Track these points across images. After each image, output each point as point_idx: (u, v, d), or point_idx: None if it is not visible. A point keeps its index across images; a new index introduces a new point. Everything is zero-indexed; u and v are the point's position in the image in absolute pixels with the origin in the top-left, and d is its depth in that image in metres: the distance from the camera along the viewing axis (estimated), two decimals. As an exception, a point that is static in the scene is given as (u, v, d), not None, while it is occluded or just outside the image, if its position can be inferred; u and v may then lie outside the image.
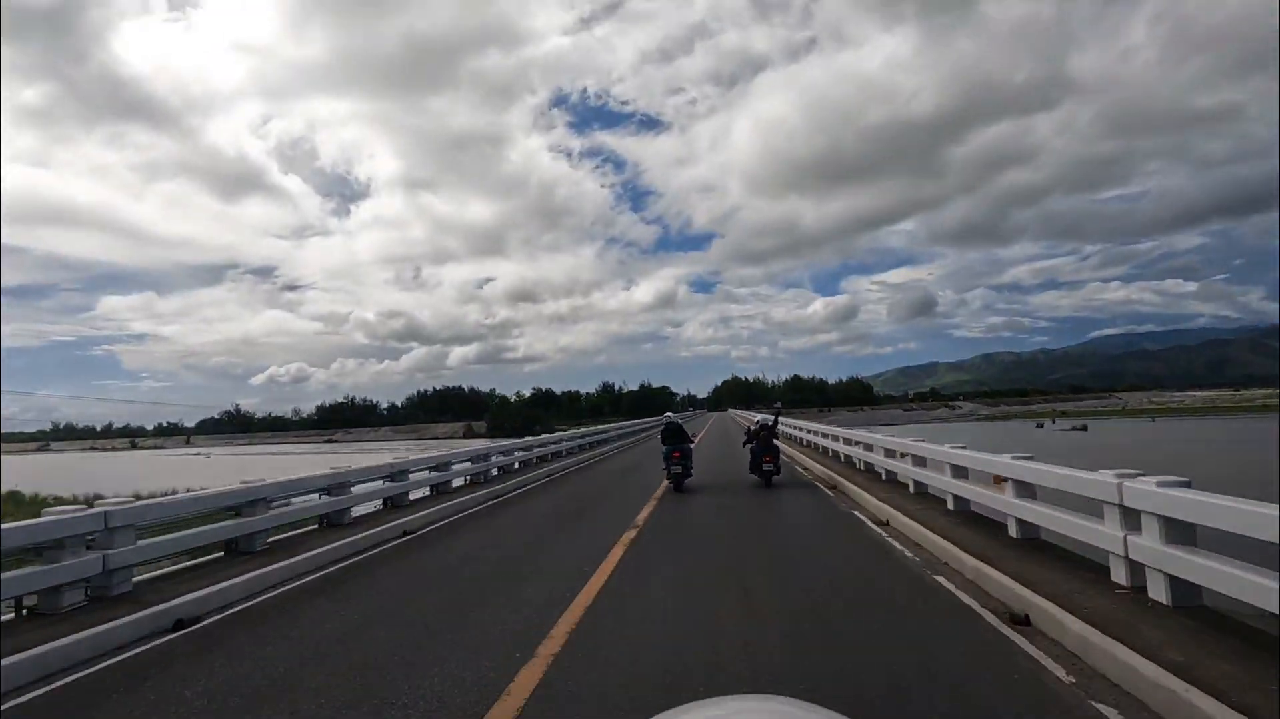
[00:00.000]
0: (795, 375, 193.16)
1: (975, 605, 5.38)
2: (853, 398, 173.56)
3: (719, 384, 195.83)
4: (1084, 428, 60.31)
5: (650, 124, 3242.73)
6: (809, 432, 22.89)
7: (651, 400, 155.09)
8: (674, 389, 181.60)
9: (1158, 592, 4.81)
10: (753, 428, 13.77)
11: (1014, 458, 6.80)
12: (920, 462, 10.31)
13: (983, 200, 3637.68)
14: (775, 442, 13.68)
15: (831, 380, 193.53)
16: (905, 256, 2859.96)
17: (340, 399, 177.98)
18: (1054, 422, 74.75)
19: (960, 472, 8.50)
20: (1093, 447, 38.89)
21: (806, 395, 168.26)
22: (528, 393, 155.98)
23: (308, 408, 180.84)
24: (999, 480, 7.17)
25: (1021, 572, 5.71)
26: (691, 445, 13.37)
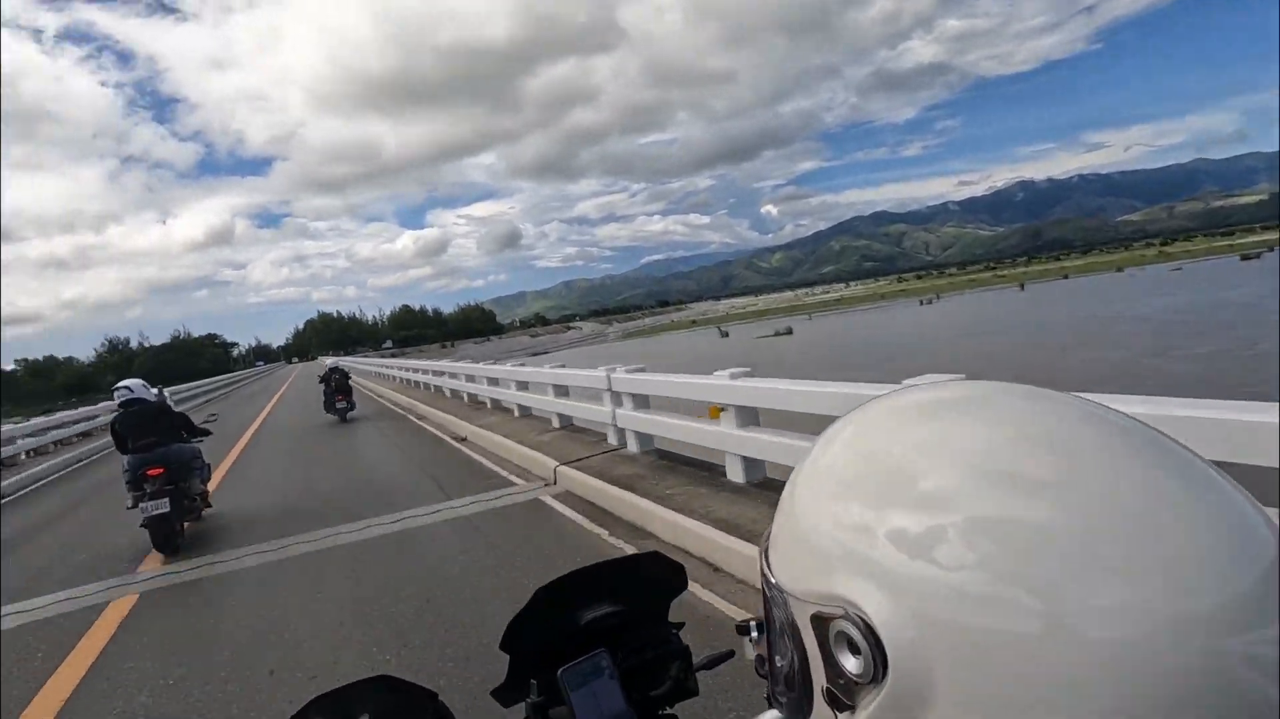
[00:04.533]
0: (404, 307, 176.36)
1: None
2: (475, 329, 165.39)
3: (300, 328, 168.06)
4: (789, 331, 62.15)
5: (163, 9, 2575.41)
6: (417, 371, 19.70)
7: (188, 361, 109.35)
8: (230, 338, 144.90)
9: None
10: (325, 373, 15.29)
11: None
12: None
13: (555, 136, 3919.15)
14: (350, 381, 15.27)
15: (448, 310, 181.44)
16: (488, 190, 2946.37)
17: None
18: (723, 331, 77.94)
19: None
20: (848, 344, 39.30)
21: (421, 331, 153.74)
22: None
23: None
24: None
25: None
26: (196, 443, 6.93)
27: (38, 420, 15.56)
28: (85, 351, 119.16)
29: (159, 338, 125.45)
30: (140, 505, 5.88)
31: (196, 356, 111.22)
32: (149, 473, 5.97)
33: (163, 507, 5.82)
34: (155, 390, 7.31)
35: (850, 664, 0.38)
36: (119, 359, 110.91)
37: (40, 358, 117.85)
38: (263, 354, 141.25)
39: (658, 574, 0.93)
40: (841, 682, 0.39)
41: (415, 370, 19.78)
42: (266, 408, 21.99)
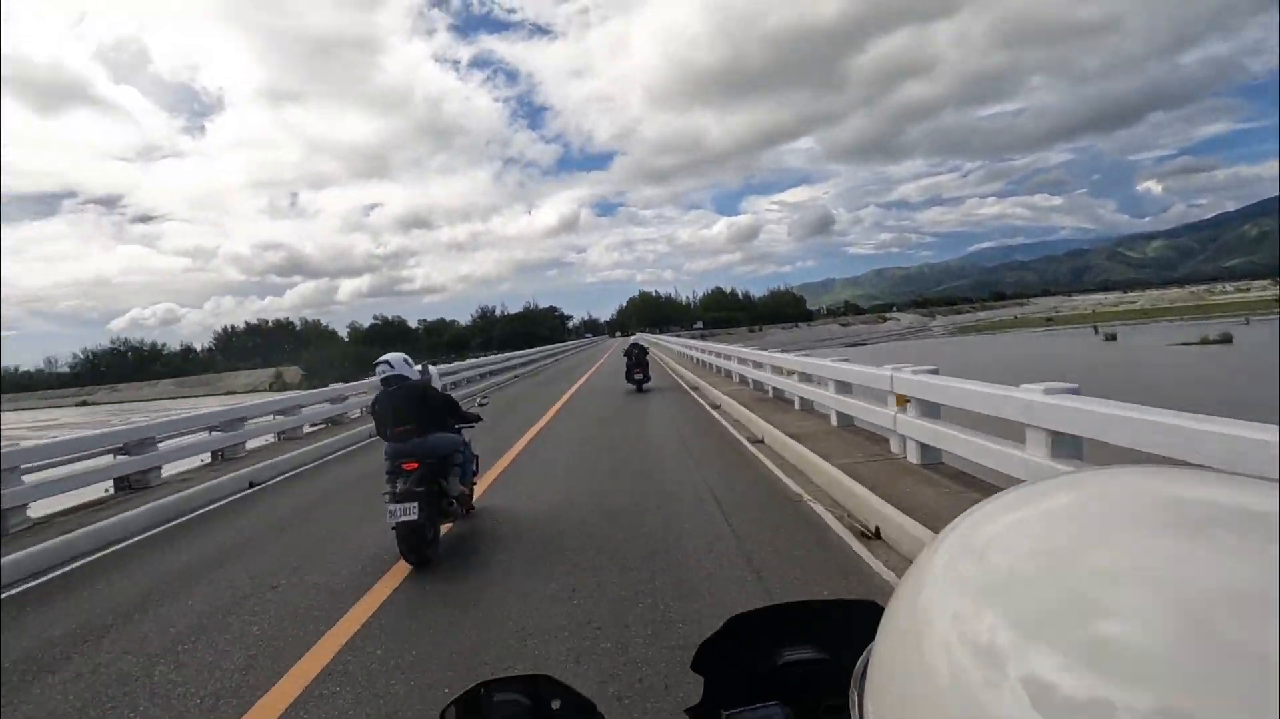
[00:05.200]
0: (716, 289, 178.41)
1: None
2: (784, 314, 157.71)
3: (624, 305, 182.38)
4: (1227, 338, 47.31)
5: (541, 31, 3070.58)
6: (737, 360, 15.49)
7: (533, 329, 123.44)
8: (566, 311, 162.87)
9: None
10: (628, 347, 17.48)
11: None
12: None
13: (880, 115, 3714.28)
14: (646, 357, 17.16)
15: (757, 294, 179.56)
16: (803, 175, 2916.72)
17: (129, 343, 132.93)
18: (1096, 330, 64.24)
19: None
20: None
21: (730, 314, 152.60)
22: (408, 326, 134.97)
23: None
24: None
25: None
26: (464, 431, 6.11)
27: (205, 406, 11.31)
28: (467, 318, 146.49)
29: (515, 308, 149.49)
30: (388, 508, 4.94)
31: (540, 325, 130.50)
32: (404, 466, 5.12)
33: (411, 512, 4.84)
34: (420, 367, 6.16)
35: None
36: (485, 324, 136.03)
37: (434, 320, 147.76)
38: (591, 327, 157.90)
39: (872, 627, 0.81)
40: None
41: (740, 361, 14.74)
42: (586, 375, 24.86)
